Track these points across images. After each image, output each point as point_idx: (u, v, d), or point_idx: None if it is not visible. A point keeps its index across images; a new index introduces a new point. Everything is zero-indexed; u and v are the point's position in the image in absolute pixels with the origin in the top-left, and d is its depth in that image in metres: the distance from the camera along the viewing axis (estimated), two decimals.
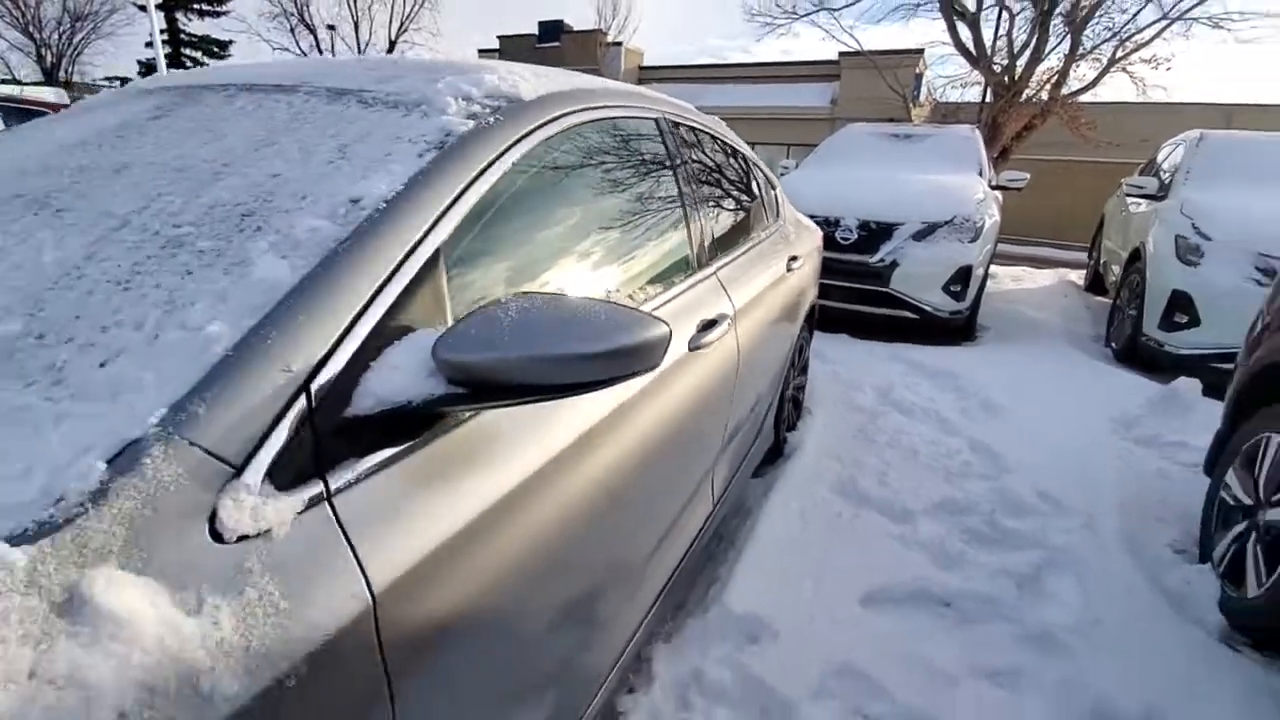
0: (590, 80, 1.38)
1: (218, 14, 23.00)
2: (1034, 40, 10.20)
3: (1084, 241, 7.92)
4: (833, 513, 2.23)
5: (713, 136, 2.00)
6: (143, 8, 16.06)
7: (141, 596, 0.48)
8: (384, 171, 0.83)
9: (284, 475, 0.59)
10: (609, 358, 0.71)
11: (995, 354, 4.24)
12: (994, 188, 5.17)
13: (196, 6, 22.49)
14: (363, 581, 0.61)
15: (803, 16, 13.33)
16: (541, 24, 23.08)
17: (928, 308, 4.38)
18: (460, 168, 0.87)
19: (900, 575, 1.92)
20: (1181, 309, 3.75)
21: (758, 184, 2.31)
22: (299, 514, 0.59)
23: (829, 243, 3.79)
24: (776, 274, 2.10)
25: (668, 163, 1.55)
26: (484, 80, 1.07)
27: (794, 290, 2.32)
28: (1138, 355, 4.01)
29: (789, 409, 2.66)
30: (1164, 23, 10.22)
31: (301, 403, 0.61)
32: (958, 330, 4.55)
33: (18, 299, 0.68)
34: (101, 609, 0.46)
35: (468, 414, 0.77)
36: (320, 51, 23.73)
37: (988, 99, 11.20)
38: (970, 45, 10.78)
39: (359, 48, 23.32)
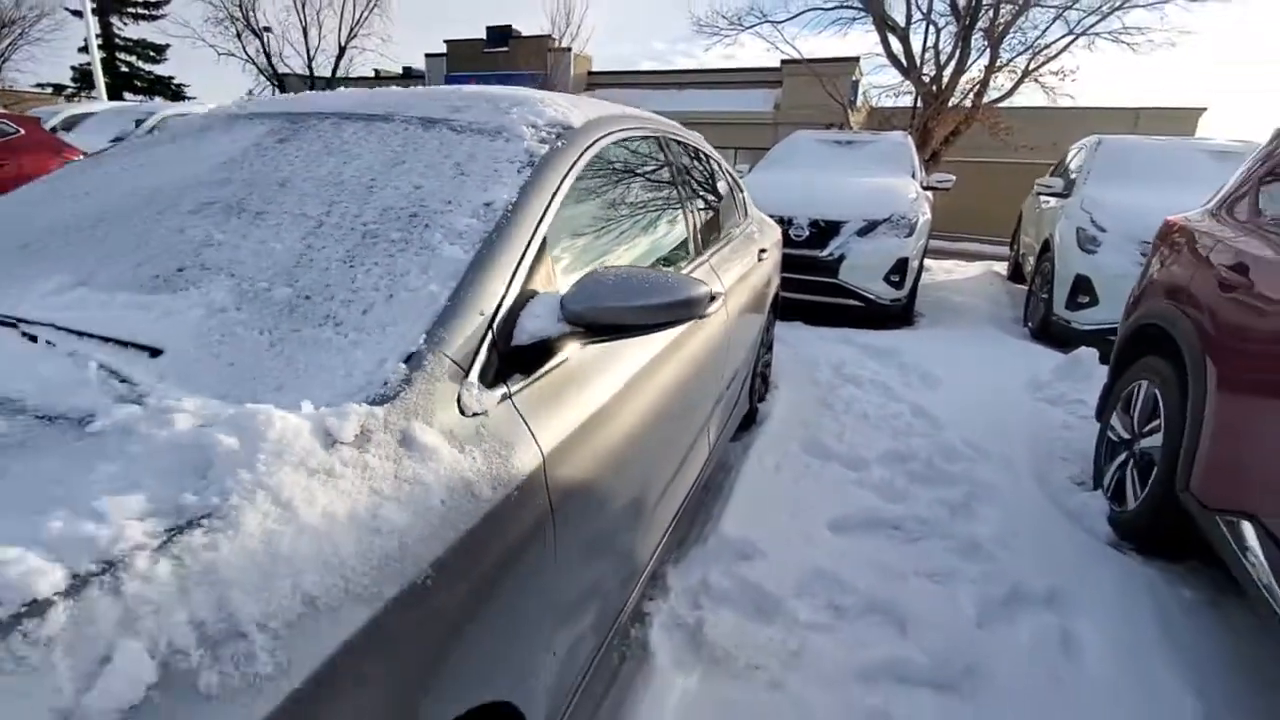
0: (610, 107, 1.73)
1: (154, 17, 22.14)
2: (958, 53, 11.14)
3: (1006, 236, 8.69)
4: (801, 465, 2.64)
5: (696, 149, 2.38)
6: (77, 13, 15.42)
7: (437, 439, 0.80)
8: (499, 183, 1.16)
9: (486, 379, 0.92)
10: (676, 307, 1.06)
11: (931, 335, 4.78)
12: (925, 188, 5.76)
13: (131, 10, 21.61)
14: (536, 447, 0.95)
15: (749, 28, 13.98)
16: (490, 29, 23.11)
17: (871, 296, 4.90)
18: (549, 179, 1.21)
19: (858, 507, 2.34)
20: (1083, 291, 4.36)
21: (730, 187, 2.70)
22: (497, 404, 0.92)
23: (784, 240, 4.24)
24: (749, 263, 2.49)
25: (669, 171, 1.92)
26: (544, 112, 1.41)
27: (763, 277, 2.73)
28: (1050, 332, 4.62)
29: (759, 382, 3.06)
30: (1070, 37, 11.30)
31: (490, 335, 0.94)
32: (898, 316, 5.09)
33: (276, 274, 0.98)
34: (422, 442, 0.78)
35: (581, 346, 1.11)
36: (268, 57, 23.15)
37: (919, 106, 12.09)
38: (901, 57, 11.66)
39: (308, 53, 22.82)
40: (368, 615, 0.63)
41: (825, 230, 4.90)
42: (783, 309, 4.40)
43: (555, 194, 1.21)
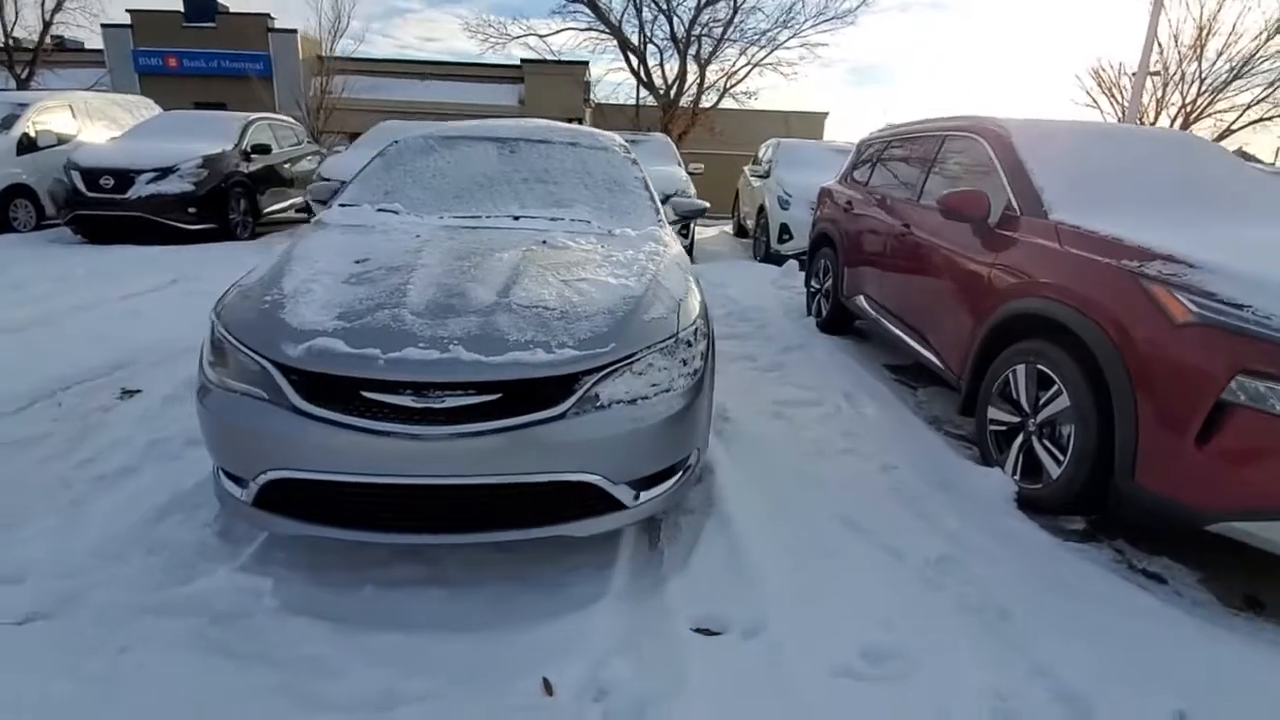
0: (619, 135, 3.75)
1: None
2: (680, 72, 14.78)
3: (726, 210, 12.18)
4: None
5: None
6: None
7: (673, 235, 2.86)
8: (634, 174, 3.17)
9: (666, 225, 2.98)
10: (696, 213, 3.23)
11: (710, 267, 7.48)
12: (689, 173, 8.50)
13: None
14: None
15: (516, 38, 16.04)
16: (188, 1, 20.66)
17: None
18: (635, 163, 3.26)
19: (720, 333, 4.73)
20: (786, 232, 7.46)
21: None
22: (673, 229, 2.98)
23: None
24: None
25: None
26: (614, 137, 3.41)
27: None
28: (770, 258, 7.69)
29: None
30: (748, 67, 15.86)
31: (661, 213, 2.99)
32: None
33: (596, 199, 2.85)
34: (671, 235, 2.85)
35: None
36: None
37: (640, 106, 15.65)
38: (641, 73, 14.93)
39: (5, 30, 17.73)
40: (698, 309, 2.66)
41: None
42: None
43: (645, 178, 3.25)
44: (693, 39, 14.58)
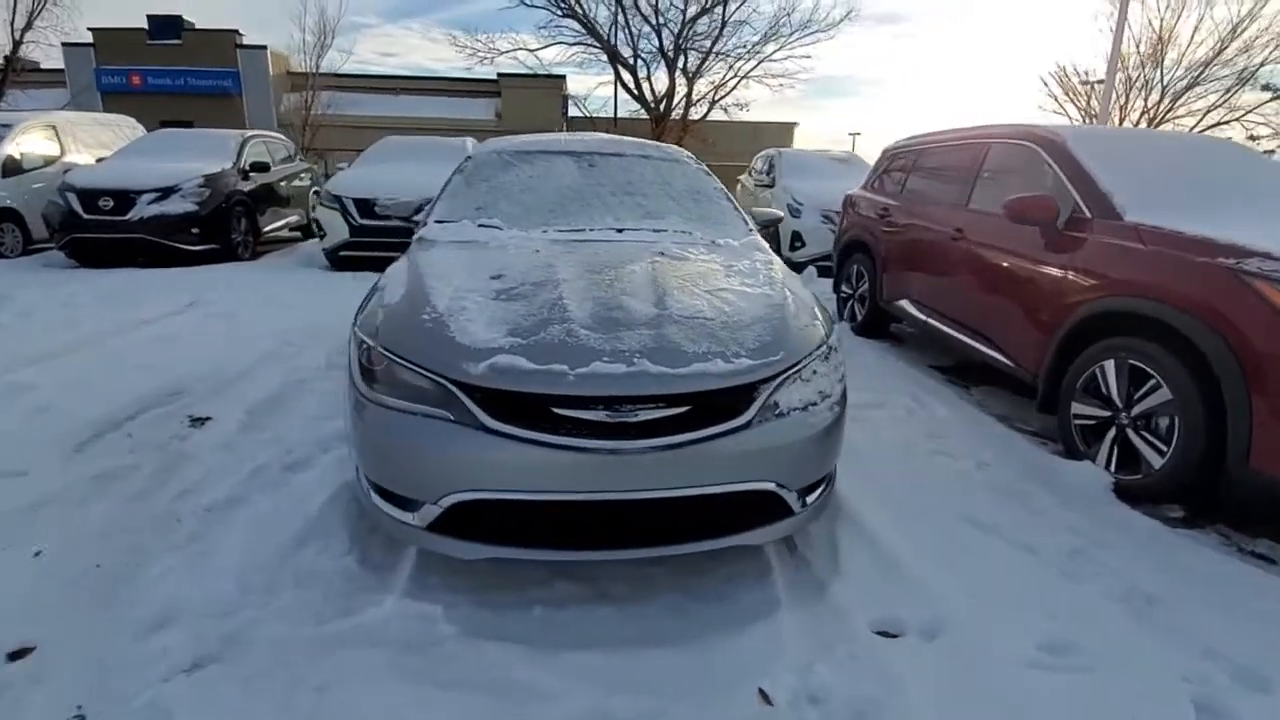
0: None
1: None
2: (670, 85, 15.07)
3: None
4: None
5: None
6: None
7: (766, 247, 2.90)
8: (713, 184, 3.21)
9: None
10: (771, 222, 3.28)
11: None
12: None
13: None
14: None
15: (505, 53, 16.25)
16: (152, 18, 20.14)
17: None
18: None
19: None
20: (798, 239, 7.58)
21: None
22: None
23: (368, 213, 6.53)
24: None
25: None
26: (679, 150, 3.45)
27: None
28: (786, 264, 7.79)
29: None
30: (735, 79, 16.21)
31: (748, 221, 3.03)
32: None
33: (686, 210, 2.87)
34: (768, 250, 2.89)
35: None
36: None
37: (618, 118, 15.91)
38: (633, 86, 15.20)
39: None
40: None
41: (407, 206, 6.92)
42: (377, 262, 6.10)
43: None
44: (681, 51, 14.89)
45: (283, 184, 8.85)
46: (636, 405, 1.62)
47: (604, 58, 15.93)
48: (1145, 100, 15.04)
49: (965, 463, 2.83)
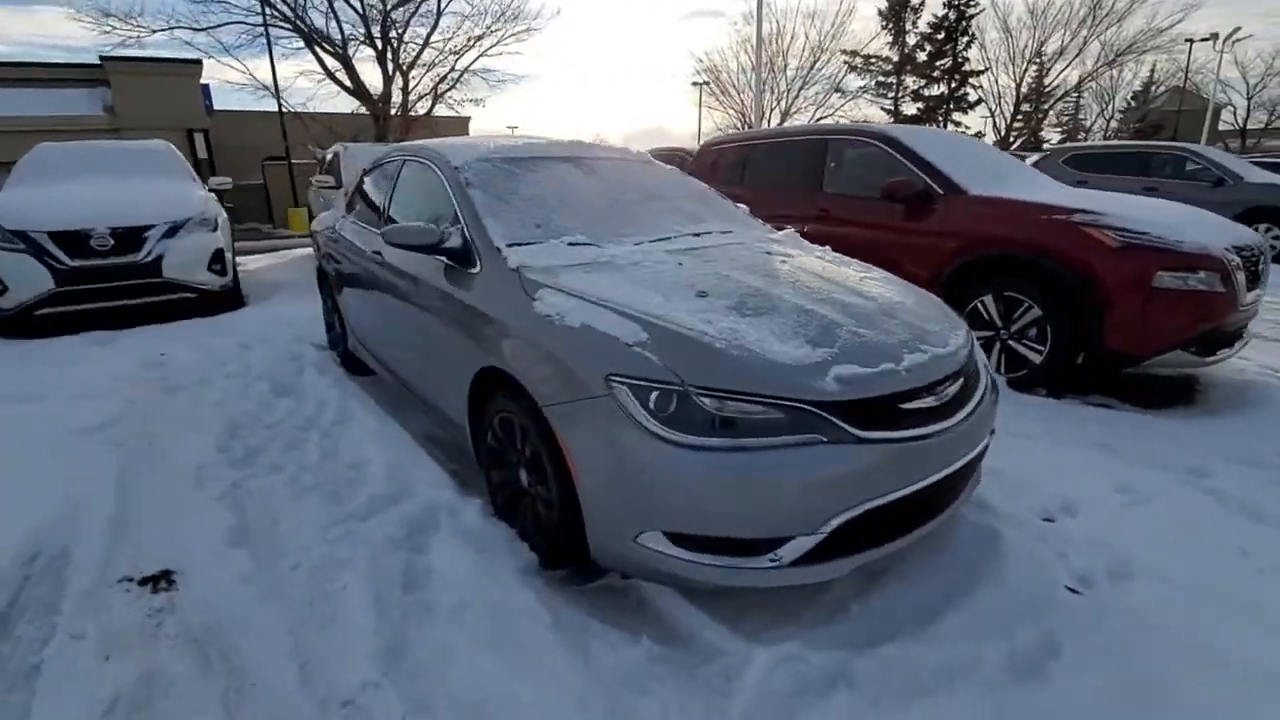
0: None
1: None
2: (392, 85, 13.62)
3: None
4: None
5: None
6: None
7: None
8: (700, 185, 3.37)
9: None
10: None
11: (273, 307, 5.90)
12: (211, 190, 6.42)
13: None
14: None
15: (159, 31, 12.87)
16: None
17: (203, 286, 5.45)
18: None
19: None
20: None
21: None
22: None
23: (85, 251, 4.87)
24: None
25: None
26: (636, 149, 3.52)
27: None
28: None
29: None
30: (456, 74, 15.93)
31: None
32: (230, 298, 5.72)
33: (689, 212, 2.96)
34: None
35: None
36: None
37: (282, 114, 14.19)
38: (345, 80, 13.38)
39: None
40: None
41: (129, 235, 5.07)
42: (98, 319, 4.84)
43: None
44: (390, 40, 13.44)
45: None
46: (944, 385, 1.83)
47: (300, 42, 13.50)
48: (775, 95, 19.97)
49: None
